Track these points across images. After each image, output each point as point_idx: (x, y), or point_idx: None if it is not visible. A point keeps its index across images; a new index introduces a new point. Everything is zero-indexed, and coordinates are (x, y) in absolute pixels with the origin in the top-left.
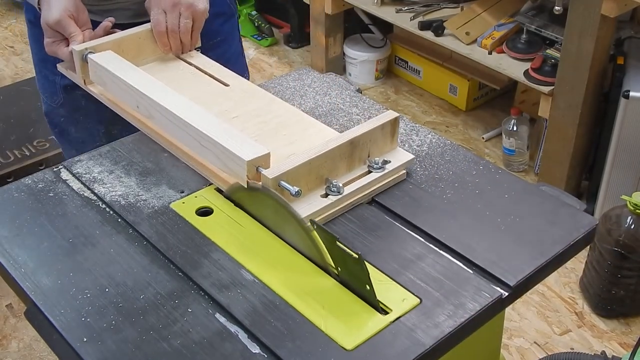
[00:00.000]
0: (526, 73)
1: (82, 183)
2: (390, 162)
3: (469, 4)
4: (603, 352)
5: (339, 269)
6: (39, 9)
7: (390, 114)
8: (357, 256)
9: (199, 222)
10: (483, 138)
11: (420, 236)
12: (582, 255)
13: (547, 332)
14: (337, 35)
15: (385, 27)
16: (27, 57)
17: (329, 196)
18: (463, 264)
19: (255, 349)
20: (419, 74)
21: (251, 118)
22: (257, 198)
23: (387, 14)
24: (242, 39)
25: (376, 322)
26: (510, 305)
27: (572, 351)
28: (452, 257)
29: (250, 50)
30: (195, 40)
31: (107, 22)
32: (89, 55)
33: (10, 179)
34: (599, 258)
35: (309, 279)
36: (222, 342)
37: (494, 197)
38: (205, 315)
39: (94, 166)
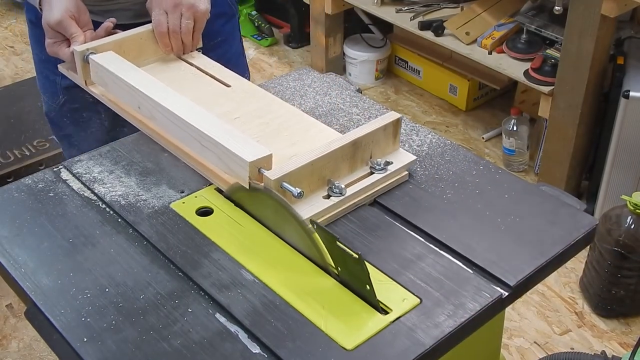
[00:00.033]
0: (526, 73)
1: (82, 183)
2: (392, 163)
3: (469, 4)
4: (603, 352)
5: (339, 269)
6: (40, 9)
7: (393, 115)
8: (357, 256)
9: (199, 222)
10: (483, 138)
11: (421, 236)
12: (582, 255)
13: (547, 332)
14: (337, 35)
15: (385, 27)
16: (27, 57)
17: (331, 197)
18: (463, 264)
19: (255, 349)
20: (419, 74)
21: (253, 119)
22: (258, 198)
23: (387, 14)
24: (242, 39)
25: (376, 322)
26: (510, 305)
27: (572, 351)
28: (452, 257)
29: (250, 50)
30: (197, 41)
31: (109, 23)
32: (90, 56)
33: (10, 179)
34: (599, 258)
35: (309, 279)
36: (222, 342)
37: (494, 197)
38: (205, 315)
39: (94, 166)
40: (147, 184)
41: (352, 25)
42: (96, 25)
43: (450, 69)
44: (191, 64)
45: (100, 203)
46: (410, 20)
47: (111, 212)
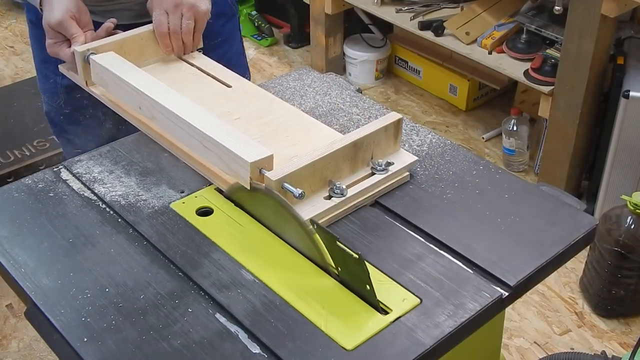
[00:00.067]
0: (526, 73)
1: (82, 183)
2: (393, 163)
3: (469, 4)
4: (603, 352)
5: (339, 269)
6: (41, 9)
7: (394, 116)
8: (357, 256)
9: (199, 222)
10: (483, 138)
11: (421, 236)
12: (582, 255)
13: (547, 332)
14: (337, 35)
15: (385, 27)
16: (27, 57)
17: (332, 198)
18: (463, 264)
19: (255, 349)
20: (419, 74)
21: (253, 119)
22: (258, 198)
23: (387, 14)
24: (243, 39)
25: (376, 322)
26: (510, 305)
27: (572, 351)
28: (452, 257)
29: (251, 50)
30: (197, 41)
31: (109, 23)
32: (91, 57)
33: (10, 179)
34: (599, 258)
35: (309, 279)
36: (222, 342)
37: (494, 197)
38: (205, 315)
39: (94, 166)
40: (147, 184)
41: (352, 25)
42: (97, 25)
43: (450, 69)
44: (192, 65)
45: (100, 203)
46: (410, 20)
47: (111, 212)
